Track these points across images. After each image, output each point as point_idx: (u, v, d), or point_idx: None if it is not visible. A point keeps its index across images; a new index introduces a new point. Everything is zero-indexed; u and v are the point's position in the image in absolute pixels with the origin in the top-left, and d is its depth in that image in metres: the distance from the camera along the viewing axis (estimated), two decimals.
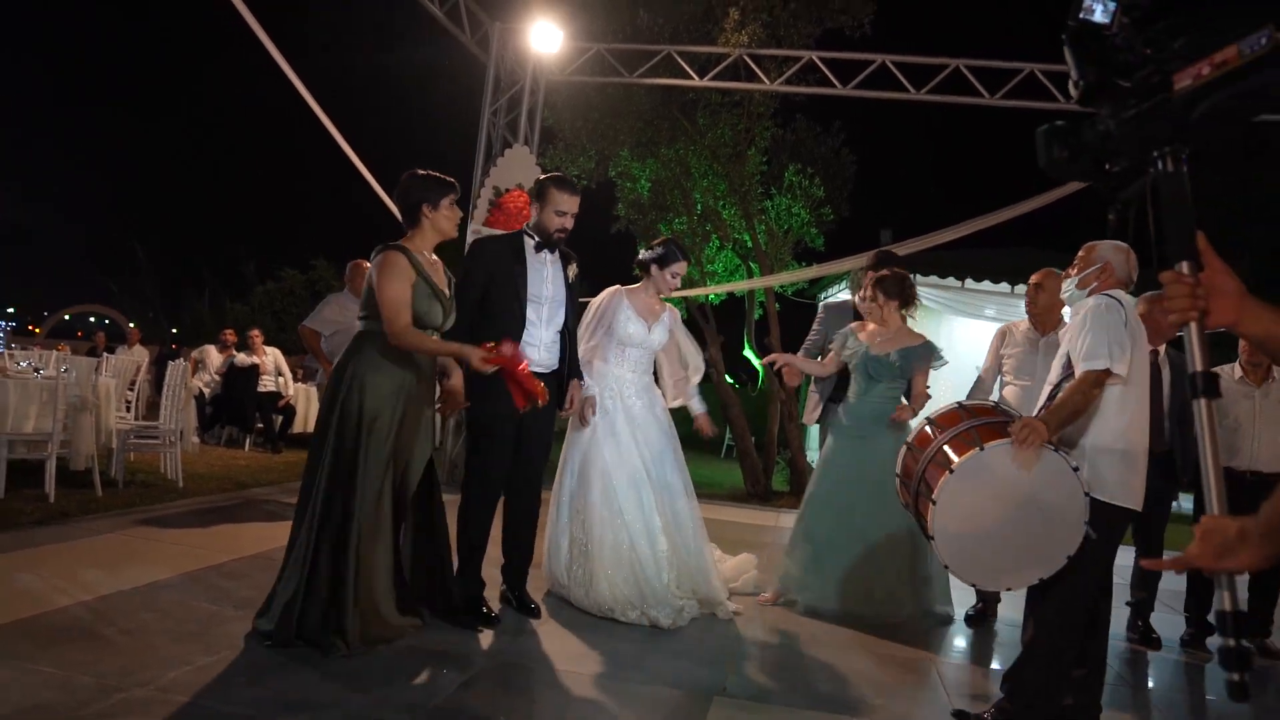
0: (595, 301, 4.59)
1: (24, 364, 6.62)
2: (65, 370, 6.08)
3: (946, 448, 3.21)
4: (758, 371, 15.92)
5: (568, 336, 4.21)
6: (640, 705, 3.20)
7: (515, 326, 3.96)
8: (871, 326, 4.81)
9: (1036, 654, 3.13)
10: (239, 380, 10.45)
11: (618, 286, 4.61)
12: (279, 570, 3.49)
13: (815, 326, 5.09)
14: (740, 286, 12.48)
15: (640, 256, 4.62)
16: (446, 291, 3.66)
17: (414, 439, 3.61)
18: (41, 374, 6.17)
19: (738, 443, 12.07)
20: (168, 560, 4.43)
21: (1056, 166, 1.52)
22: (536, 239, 4.09)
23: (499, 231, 7.71)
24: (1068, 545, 3.00)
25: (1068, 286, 3.40)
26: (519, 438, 4.05)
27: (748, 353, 14.02)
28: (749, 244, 12.15)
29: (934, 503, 3.09)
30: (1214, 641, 4.68)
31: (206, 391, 10.56)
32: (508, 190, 8.71)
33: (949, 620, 4.77)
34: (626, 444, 4.38)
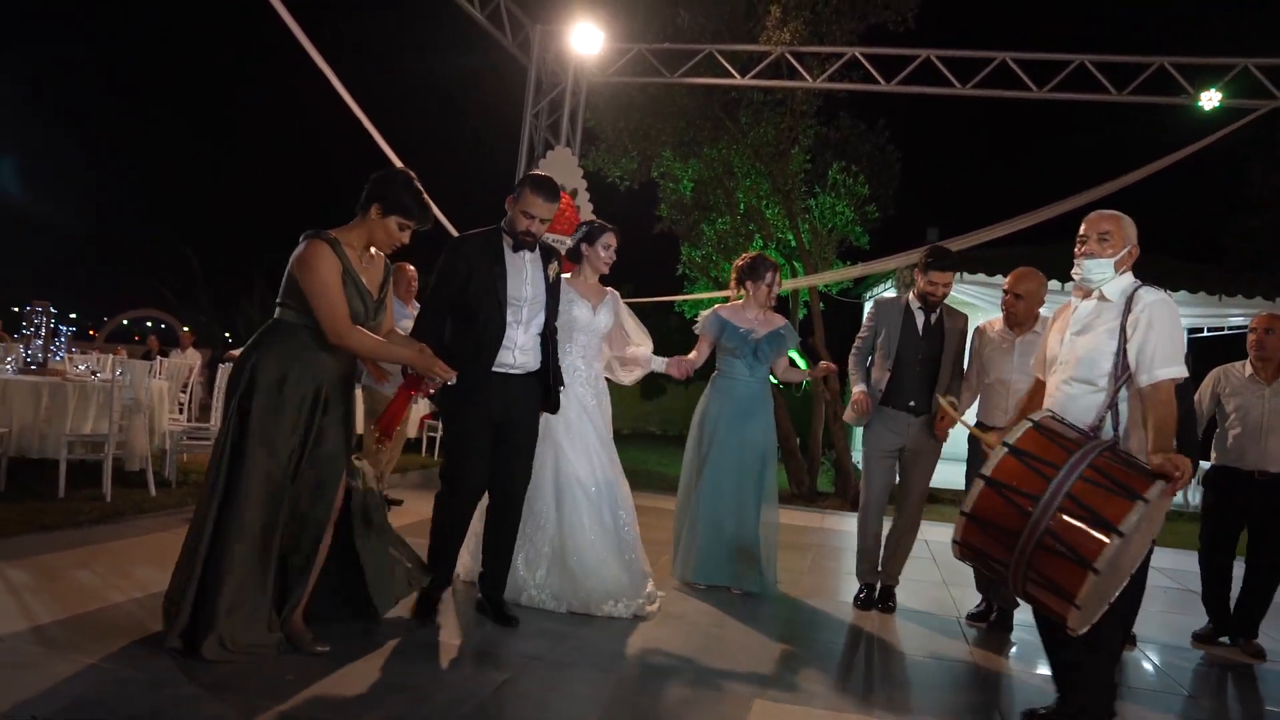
0: None
1: (82, 368, 6.80)
2: (120, 373, 6.23)
3: (1091, 501, 2.63)
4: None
5: (550, 338, 4.01)
6: (679, 707, 3.18)
7: (494, 329, 3.79)
8: (751, 311, 4.99)
9: (1100, 648, 3.05)
10: None
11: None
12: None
13: (866, 324, 5.00)
14: (784, 286, 12.38)
15: (569, 243, 4.56)
16: (375, 292, 3.34)
17: (325, 447, 3.23)
18: (99, 377, 6.33)
19: (781, 443, 11.97)
20: None
21: None
22: (511, 239, 3.89)
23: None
24: (1140, 556, 2.90)
25: (1100, 266, 3.07)
26: (498, 443, 3.87)
27: (792, 353, 13.93)
28: (793, 243, 12.06)
29: (1095, 572, 2.55)
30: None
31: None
32: None
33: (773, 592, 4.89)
34: (580, 436, 4.32)
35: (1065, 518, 2.64)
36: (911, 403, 4.69)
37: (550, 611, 4.10)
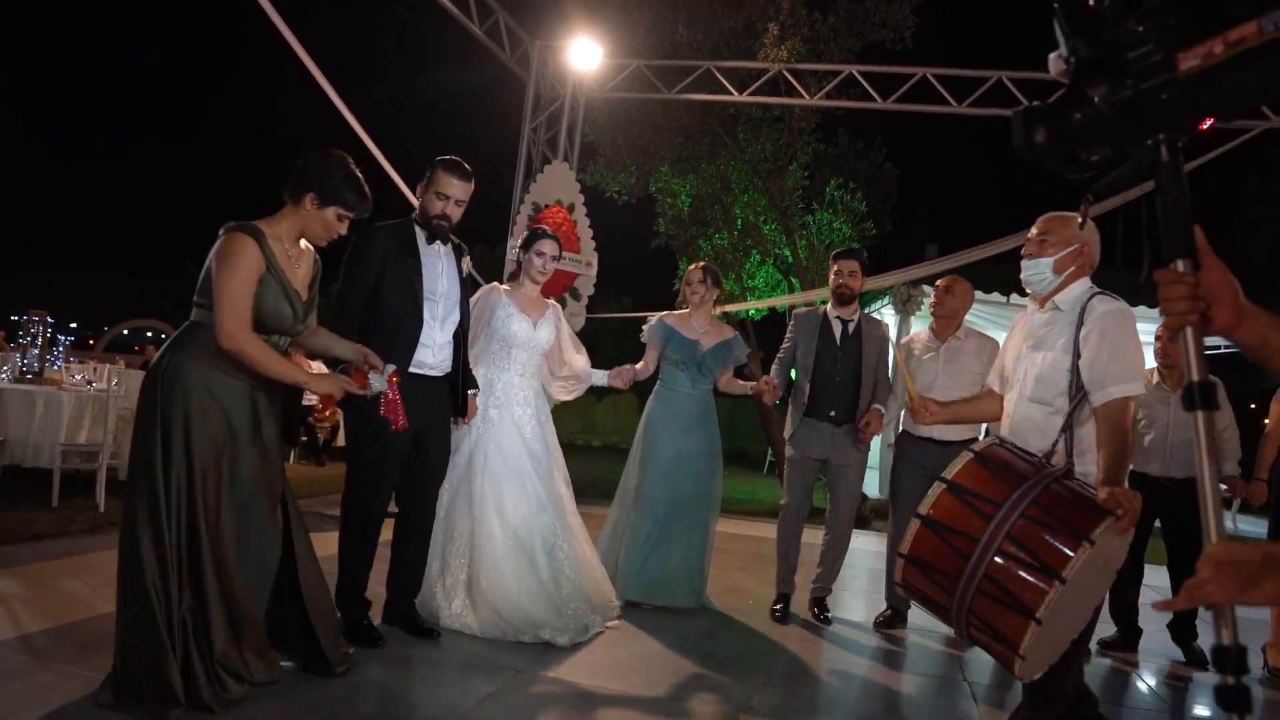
0: (470, 301, 4.01)
1: (78, 377, 6.82)
2: (116, 383, 6.24)
3: (1032, 544, 2.37)
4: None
5: (462, 337, 3.74)
6: None
7: (410, 326, 3.51)
8: (699, 318, 4.85)
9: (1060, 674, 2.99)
10: None
11: (495, 283, 4.36)
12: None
13: (787, 335, 4.98)
14: (781, 302, 12.44)
15: (511, 252, 4.47)
16: (303, 292, 2.97)
17: (256, 464, 2.85)
18: (94, 387, 6.35)
19: (778, 459, 12.00)
20: None
21: (1034, 151, 1.37)
22: (425, 229, 3.62)
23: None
24: (1097, 599, 2.80)
25: (1037, 268, 2.89)
26: (410, 456, 3.60)
27: None
28: (790, 259, 12.11)
29: (1037, 621, 2.30)
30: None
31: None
32: (547, 206, 8.79)
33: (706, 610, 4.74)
34: (514, 458, 4.03)
35: (1003, 562, 2.38)
36: (832, 412, 4.68)
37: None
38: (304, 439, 10.59)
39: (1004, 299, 11.26)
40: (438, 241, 3.64)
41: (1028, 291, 3.00)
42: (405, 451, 3.55)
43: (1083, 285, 2.87)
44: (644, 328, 4.93)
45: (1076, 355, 2.76)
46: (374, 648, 3.47)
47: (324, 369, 10.89)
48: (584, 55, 8.89)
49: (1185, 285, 1.29)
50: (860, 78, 8.92)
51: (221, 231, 2.81)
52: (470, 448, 4.01)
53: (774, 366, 4.89)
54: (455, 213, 3.61)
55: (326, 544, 3.63)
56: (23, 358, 6.29)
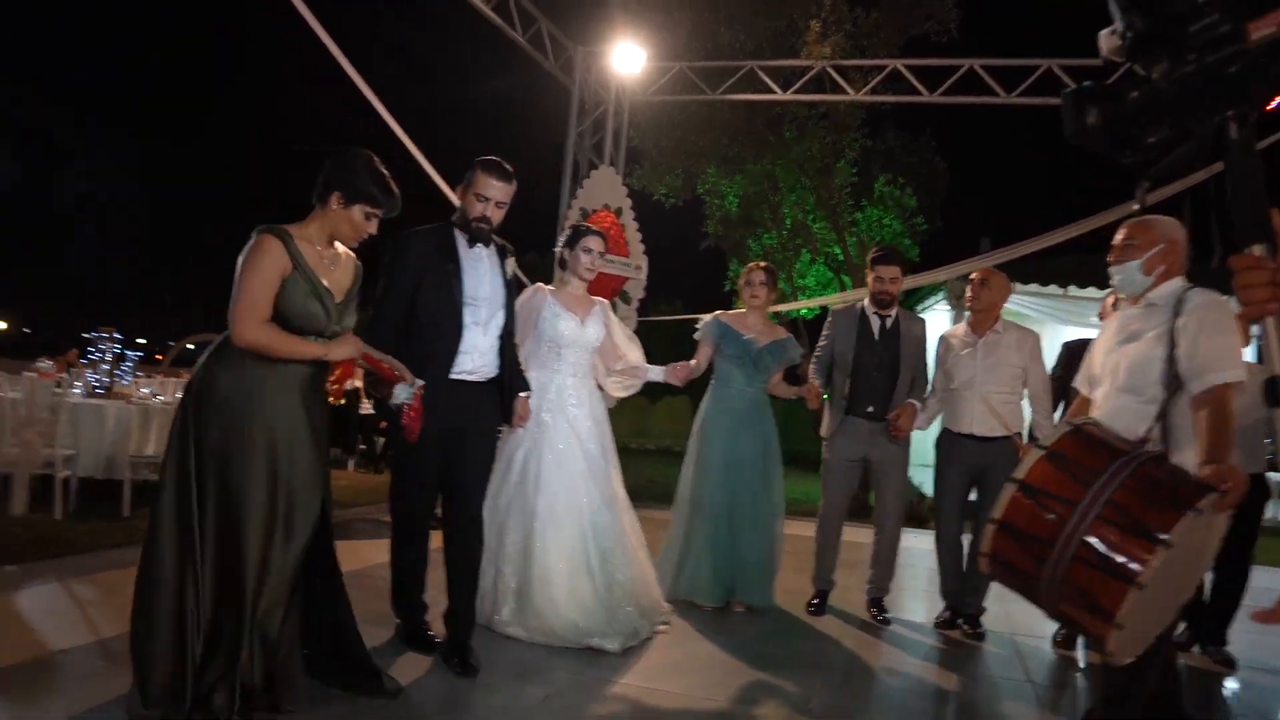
0: (516, 303, 3.89)
1: (145, 391, 7.03)
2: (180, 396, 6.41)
3: (1134, 510, 2.34)
4: None
5: (508, 340, 3.64)
6: None
7: (451, 331, 3.43)
8: (753, 318, 4.86)
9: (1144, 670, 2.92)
10: (342, 404, 10.85)
11: (539, 285, 4.25)
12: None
13: (824, 333, 4.93)
14: (833, 300, 12.35)
15: (555, 251, 4.32)
16: (338, 294, 2.91)
17: (296, 472, 2.78)
18: (160, 400, 6.55)
19: None
20: None
21: (1087, 135, 1.30)
22: (466, 232, 3.54)
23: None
24: (1195, 579, 2.73)
25: (1125, 273, 2.86)
26: (451, 460, 3.48)
27: None
28: (840, 257, 12.02)
29: (1138, 586, 2.26)
30: None
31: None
32: (594, 211, 8.85)
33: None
34: (569, 463, 3.98)
35: (1105, 526, 2.35)
36: (870, 409, 4.64)
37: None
38: (362, 447, 10.79)
39: (1061, 291, 11.03)
40: (479, 244, 3.55)
41: (1120, 296, 2.97)
42: (445, 458, 3.46)
43: (1178, 282, 2.82)
44: (698, 326, 4.94)
45: (1172, 346, 2.72)
46: (428, 654, 3.49)
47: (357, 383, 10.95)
48: (627, 59, 8.93)
49: (1264, 271, 1.21)
50: (905, 71, 8.82)
51: (252, 234, 2.79)
52: (524, 453, 3.98)
53: (811, 366, 4.88)
54: (496, 214, 3.51)
55: (385, 551, 3.72)
56: (93, 374, 6.51)
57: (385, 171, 2.91)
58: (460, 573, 3.53)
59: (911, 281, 11.25)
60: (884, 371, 4.65)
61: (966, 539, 4.58)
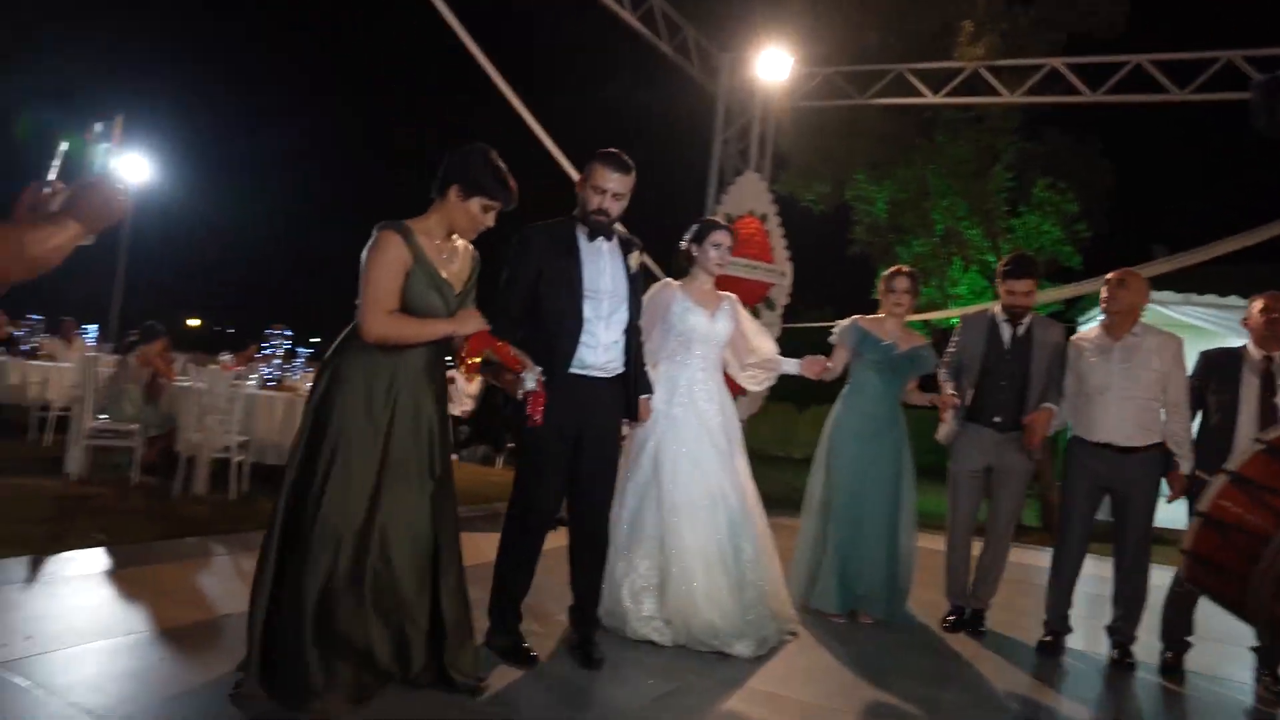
0: (644, 299, 3.90)
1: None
2: None
3: None
4: None
5: (633, 335, 3.59)
6: None
7: (571, 325, 3.40)
8: (891, 324, 4.74)
9: None
10: (492, 402, 11.30)
11: (667, 279, 4.21)
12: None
13: (953, 339, 4.76)
14: (988, 309, 11.89)
15: (679, 247, 4.21)
16: (457, 285, 2.98)
17: (418, 453, 2.90)
18: None
19: (1037, 479, 11.42)
20: None
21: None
22: (586, 227, 3.50)
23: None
24: None
25: None
26: (576, 455, 3.45)
27: None
28: (994, 265, 11.56)
29: None
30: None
31: (463, 413, 11.50)
32: (739, 217, 8.87)
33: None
34: (701, 458, 3.95)
35: None
36: (997, 419, 4.47)
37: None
38: (510, 445, 11.19)
39: (1242, 301, 10.19)
40: (600, 237, 3.50)
41: None
42: (566, 454, 3.43)
43: None
44: (834, 329, 4.89)
45: None
46: (524, 668, 3.33)
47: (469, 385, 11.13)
48: (773, 66, 8.92)
49: None
50: (1065, 70, 8.42)
51: (374, 230, 2.87)
52: (655, 448, 3.96)
53: (941, 372, 4.73)
54: (614, 207, 3.45)
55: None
56: (267, 368, 7.07)
57: (503, 166, 2.96)
58: (586, 569, 3.56)
59: (1074, 290, 10.72)
60: (1013, 381, 4.48)
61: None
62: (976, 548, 4.68)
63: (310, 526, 2.73)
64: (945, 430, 4.65)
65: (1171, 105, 8.13)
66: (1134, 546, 4.25)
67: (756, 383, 4.41)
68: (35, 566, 4.06)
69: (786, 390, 8.54)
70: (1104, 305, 4.33)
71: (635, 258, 3.61)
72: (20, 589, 3.75)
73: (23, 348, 10.03)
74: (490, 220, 2.99)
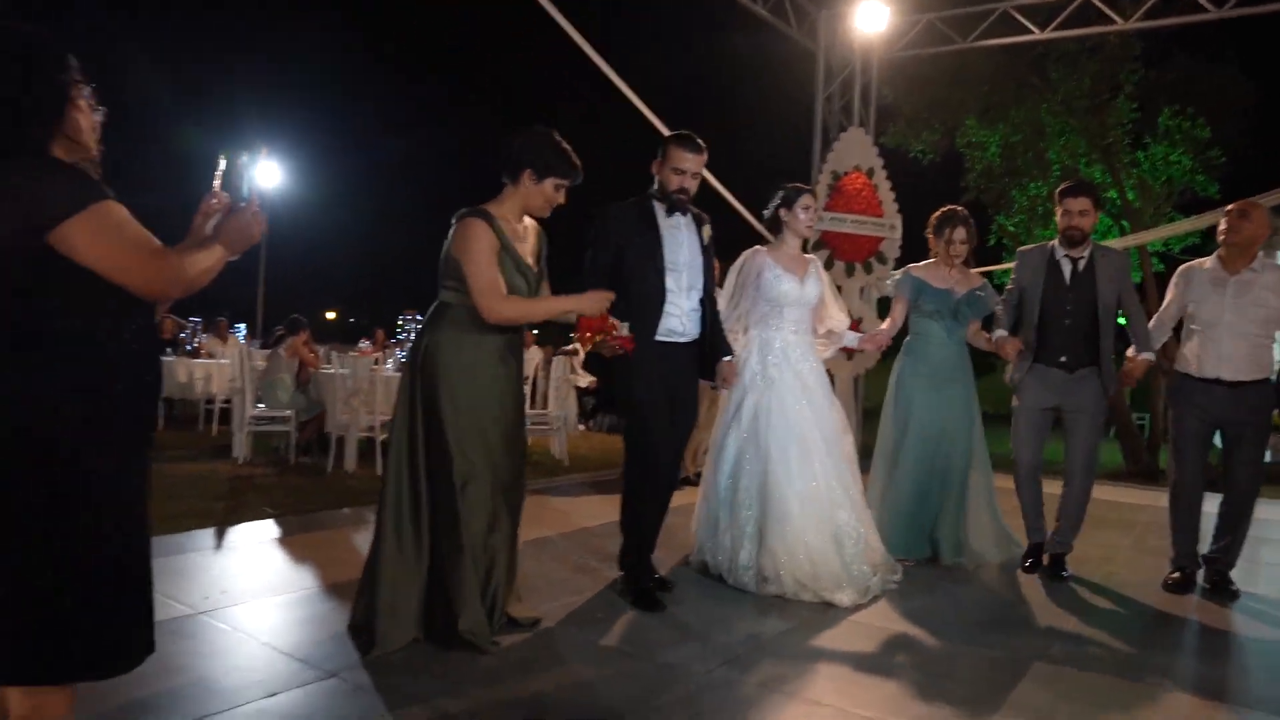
0: (734, 266, 4.22)
1: None
2: None
3: None
4: None
5: (709, 304, 3.88)
6: (958, 665, 3.26)
7: (656, 296, 3.68)
8: (945, 269, 4.68)
9: None
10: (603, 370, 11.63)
11: (756, 247, 4.32)
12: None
13: (1011, 278, 4.63)
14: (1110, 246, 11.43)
15: (765, 214, 4.30)
16: (533, 264, 3.22)
17: (500, 426, 3.14)
18: None
19: (1117, 419, 11.08)
20: (553, 522, 5.27)
21: None
22: (665, 204, 3.76)
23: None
24: None
25: None
26: (671, 410, 3.76)
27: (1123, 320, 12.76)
28: (1119, 202, 11.09)
29: None
30: None
31: (589, 385, 11.88)
32: (845, 173, 8.84)
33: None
34: (798, 416, 4.06)
35: None
36: (1063, 358, 4.33)
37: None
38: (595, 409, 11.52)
39: None
40: (676, 213, 3.77)
41: None
42: (665, 410, 3.71)
43: None
44: (888, 282, 4.90)
45: None
46: (651, 611, 3.61)
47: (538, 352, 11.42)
48: (872, 17, 8.79)
49: None
50: None
51: (455, 219, 3.11)
52: (754, 405, 4.11)
53: (998, 311, 4.62)
54: (691, 185, 3.74)
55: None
56: (401, 350, 7.57)
57: (566, 144, 3.19)
58: (657, 515, 3.88)
59: (1210, 219, 10.19)
60: (1079, 318, 4.32)
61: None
62: (1048, 486, 4.62)
63: (457, 495, 3.01)
64: (1012, 372, 4.57)
65: None
66: (1244, 482, 4.17)
67: (822, 350, 4.45)
68: (219, 536, 4.64)
69: None
70: (1221, 237, 4.20)
71: (707, 231, 3.89)
72: (210, 554, 4.29)
73: (186, 347, 11.00)
74: (562, 198, 3.24)
